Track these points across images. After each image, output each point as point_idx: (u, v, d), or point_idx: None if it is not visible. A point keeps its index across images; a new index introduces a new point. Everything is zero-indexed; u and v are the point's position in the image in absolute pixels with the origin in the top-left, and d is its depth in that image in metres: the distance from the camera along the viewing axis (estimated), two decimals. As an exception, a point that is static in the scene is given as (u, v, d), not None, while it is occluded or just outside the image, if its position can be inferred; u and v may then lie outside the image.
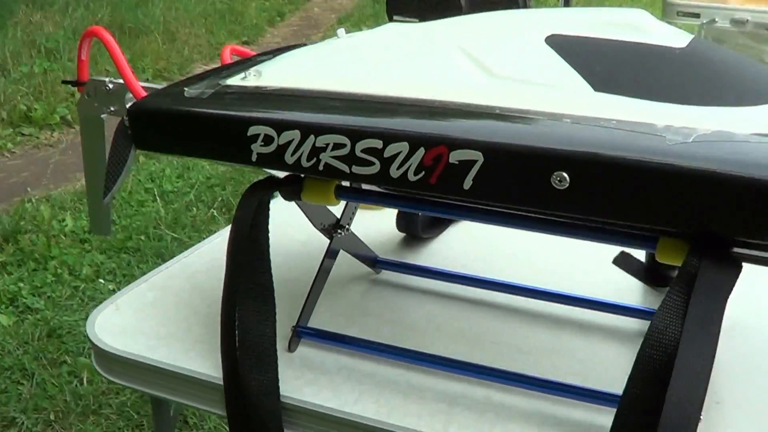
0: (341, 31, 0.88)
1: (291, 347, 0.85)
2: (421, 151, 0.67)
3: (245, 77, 0.79)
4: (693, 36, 0.72)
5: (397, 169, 0.69)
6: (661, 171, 0.60)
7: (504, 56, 0.73)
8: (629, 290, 0.95)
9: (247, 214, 0.77)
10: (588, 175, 0.63)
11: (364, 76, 0.75)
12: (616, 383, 0.79)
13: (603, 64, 0.70)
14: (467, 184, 0.67)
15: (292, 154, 0.72)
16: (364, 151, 0.69)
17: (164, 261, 1.03)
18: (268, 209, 0.78)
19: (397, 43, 0.79)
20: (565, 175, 0.63)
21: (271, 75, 0.78)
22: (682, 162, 0.60)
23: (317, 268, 0.87)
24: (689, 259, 0.64)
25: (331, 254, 0.89)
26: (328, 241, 0.89)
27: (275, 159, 0.73)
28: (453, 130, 0.67)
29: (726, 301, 0.63)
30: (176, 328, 0.89)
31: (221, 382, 0.80)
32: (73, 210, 2.86)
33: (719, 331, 0.62)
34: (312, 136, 0.71)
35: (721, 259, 0.64)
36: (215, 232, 1.10)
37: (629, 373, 0.65)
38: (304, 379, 0.81)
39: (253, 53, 0.98)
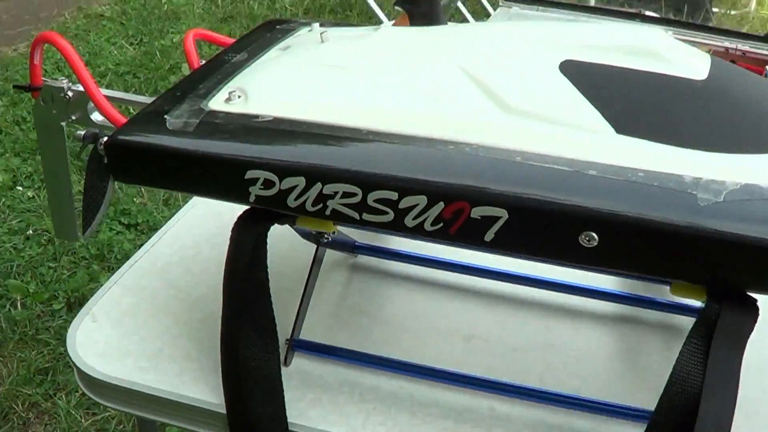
0: (316, 27, 0.82)
1: (287, 361, 0.83)
2: (441, 205, 0.64)
3: (230, 99, 0.73)
4: (711, 59, 0.70)
5: (413, 219, 0.66)
6: (694, 235, 0.60)
7: (516, 86, 0.69)
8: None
9: (244, 250, 0.73)
10: (618, 236, 0.62)
11: (367, 106, 0.70)
12: (611, 387, 0.81)
13: (622, 101, 0.67)
14: (489, 236, 0.65)
15: (296, 199, 0.68)
16: (376, 201, 0.66)
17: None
18: (266, 243, 0.74)
19: (394, 58, 0.74)
20: (594, 235, 0.62)
21: (259, 97, 0.73)
22: (714, 226, 0.59)
23: (306, 277, 0.85)
24: (709, 305, 0.64)
25: (318, 260, 0.86)
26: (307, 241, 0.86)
27: (276, 202, 0.69)
28: (475, 183, 0.64)
29: (745, 345, 0.64)
30: (162, 344, 0.86)
31: (222, 410, 0.78)
32: (-19, 106, 2.70)
33: (739, 377, 0.63)
34: (318, 184, 0.67)
35: (740, 304, 0.64)
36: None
37: (652, 411, 0.66)
38: (307, 401, 0.80)
39: (223, 39, 0.91)
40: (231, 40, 0.90)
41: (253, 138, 0.69)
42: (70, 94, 0.81)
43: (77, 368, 0.84)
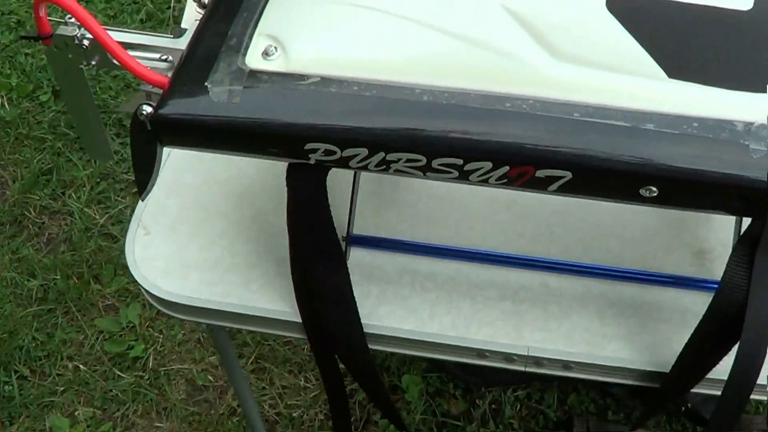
0: None
1: (346, 256, 0.88)
2: (505, 168, 0.66)
3: (267, 54, 0.71)
4: None
5: (478, 177, 0.68)
6: (746, 186, 0.64)
7: (565, 28, 0.68)
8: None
9: (304, 197, 0.75)
10: (676, 188, 0.65)
11: (414, 58, 0.69)
12: (649, 247, 0.87)
13: (671, 41, 0.67)
14: (552, 188, 0.67)
15: (358, 163, 0.69)
16: (441, 164, 0.67)
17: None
18: (325, 186, 0.75)
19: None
20: (654, 188, 0.65)
21: (299, 52, 0.70)
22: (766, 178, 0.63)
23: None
24: (754, 223, 0.69)
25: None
26: None
27: (338, 164, 0.70)
28: (537, 149, 0.65)
29: None
30: (221, 251, 0.89)
31: (296, 318, 0.84)
32: None
33: None
34: (381, 153, 0.68)
35: None
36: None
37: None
38: (374, 297, 0.86)
39: None
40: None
41: (306, 107, 0.68)
42: (86, 43, 0.76)
43: (145, 290, 0.88)
